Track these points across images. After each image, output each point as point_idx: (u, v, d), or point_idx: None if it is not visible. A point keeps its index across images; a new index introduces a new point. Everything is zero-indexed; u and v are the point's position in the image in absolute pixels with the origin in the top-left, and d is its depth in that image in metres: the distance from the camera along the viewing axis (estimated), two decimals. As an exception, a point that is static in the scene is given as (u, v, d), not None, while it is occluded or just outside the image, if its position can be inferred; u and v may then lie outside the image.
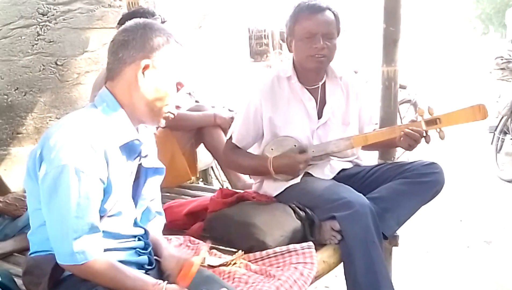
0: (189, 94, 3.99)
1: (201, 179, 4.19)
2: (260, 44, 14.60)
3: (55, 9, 3.64)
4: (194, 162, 3.39)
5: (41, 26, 3.59)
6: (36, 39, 3.57)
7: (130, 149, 1.67)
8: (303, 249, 2.14)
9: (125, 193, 1.68)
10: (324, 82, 2.54)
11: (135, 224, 1.73)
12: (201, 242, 2.29)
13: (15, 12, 3.47)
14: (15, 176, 3.37)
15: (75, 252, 1.49)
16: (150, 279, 1.59)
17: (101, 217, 1.59)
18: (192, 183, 3.71)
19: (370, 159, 2.80)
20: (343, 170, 2.56)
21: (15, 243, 2.39)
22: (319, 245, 2.25)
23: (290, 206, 2.35)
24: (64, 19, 3.69)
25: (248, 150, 2.58)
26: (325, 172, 2.52)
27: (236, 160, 2.59)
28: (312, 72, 2.47)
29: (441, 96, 9.46)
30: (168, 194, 3.09)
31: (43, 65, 3.63)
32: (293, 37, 2.44)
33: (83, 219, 1.50)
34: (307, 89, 2.51)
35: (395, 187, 2.39)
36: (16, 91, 3.52)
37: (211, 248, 2.27)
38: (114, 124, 1.62)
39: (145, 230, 1.76)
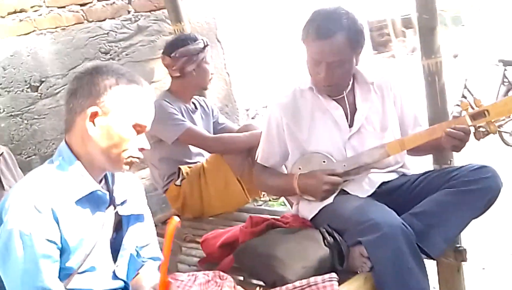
0: (246, 110, 3.85)
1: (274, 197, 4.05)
2: (381, 34, 14.03)
3: (116, 46, 3.73)
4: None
5: (105, 65, 3.69)
6: (102, 78, 3.68)
7: (96, 201, 1.60)
8: (324, 282, 1.91)
9: (98, 247, 1.60)
10: (353, 88, 2.29)
11: (114, 276, 1.66)
12: (229, 277, 2.16)
13: (79, 56, 3.59)
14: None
15: None
16: None
17: (70, 274, 1.54)
18: (266, 202, 3.59)
19: (423, 165, 2.46)
20: (384, 183, 2.28)
21: None
22: (350, 274, 2.02)
23: (320, 231, 2.14)
24: (126, 54, 3.77)
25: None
26: (364, 187, 2.25)
27: (265, 181, 2.42)
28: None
29: None
30: (226, 220, 2.99)
31: (112, 103, 3.73)
32: (305, 49, 2.21)
33: (31, 284, 1.45)
34: (332, 98, 2.27)
35: (440, 199, 2.08)
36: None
37: (239, 284, 2.14)
38: (70, 178, 1.56)
39: (125, 282, 1.68)
